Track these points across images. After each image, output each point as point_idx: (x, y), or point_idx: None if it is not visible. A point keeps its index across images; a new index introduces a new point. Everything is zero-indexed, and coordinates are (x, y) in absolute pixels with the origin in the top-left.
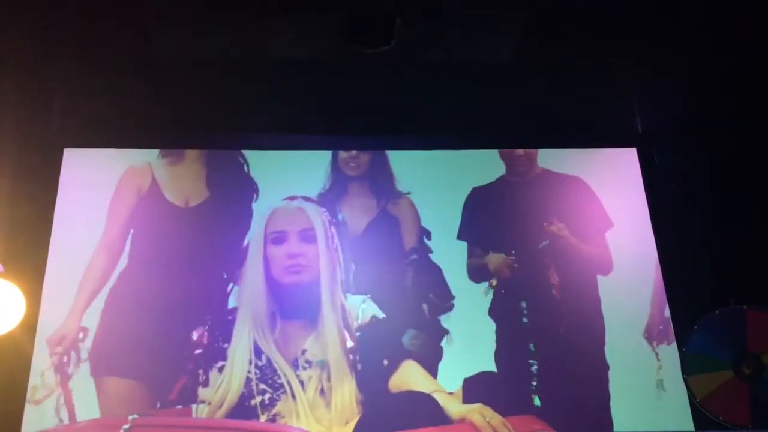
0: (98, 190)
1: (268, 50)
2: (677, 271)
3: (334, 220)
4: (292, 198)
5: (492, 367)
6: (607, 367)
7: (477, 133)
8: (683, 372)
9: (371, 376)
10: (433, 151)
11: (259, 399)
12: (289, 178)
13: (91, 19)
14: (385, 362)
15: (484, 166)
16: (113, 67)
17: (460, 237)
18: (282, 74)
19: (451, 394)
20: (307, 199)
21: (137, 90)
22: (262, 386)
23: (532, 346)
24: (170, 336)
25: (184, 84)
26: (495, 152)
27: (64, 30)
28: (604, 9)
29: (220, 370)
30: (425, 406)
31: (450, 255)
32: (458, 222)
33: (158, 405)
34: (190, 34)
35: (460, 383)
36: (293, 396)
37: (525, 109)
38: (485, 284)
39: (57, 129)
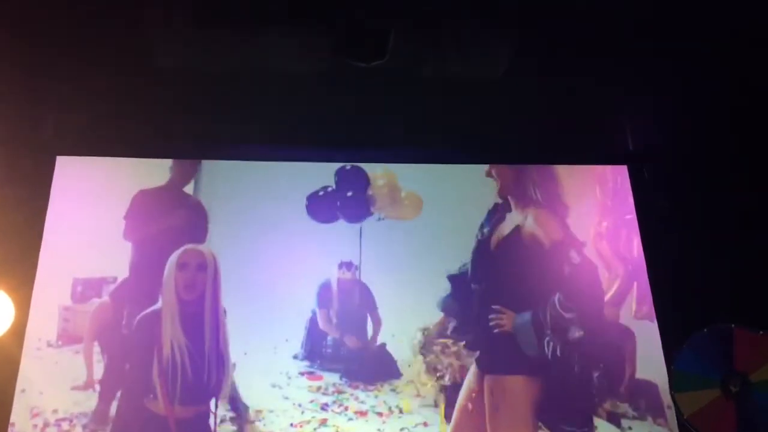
0: (90, 199)
1: (262, 64)
2: (666, 289)
3: None
4: None
5: None
6: None
7: (468, 148)
8: (671, 389)
9: None
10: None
11: None
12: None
13: (87, 27)
14: None
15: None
16: (108, 76)
17: None
18: (276, 87)
19: None
20: None
21: (132, 100)
22: None
23: None
24: None
25: (179, 95)
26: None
27: (59, 38)
28: (597, 27)
29: None
30: None
31: None
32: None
33: None
34: (186, 45)
35: None
36: None
37: (516, 125)
38: None
39: (50, 137)
